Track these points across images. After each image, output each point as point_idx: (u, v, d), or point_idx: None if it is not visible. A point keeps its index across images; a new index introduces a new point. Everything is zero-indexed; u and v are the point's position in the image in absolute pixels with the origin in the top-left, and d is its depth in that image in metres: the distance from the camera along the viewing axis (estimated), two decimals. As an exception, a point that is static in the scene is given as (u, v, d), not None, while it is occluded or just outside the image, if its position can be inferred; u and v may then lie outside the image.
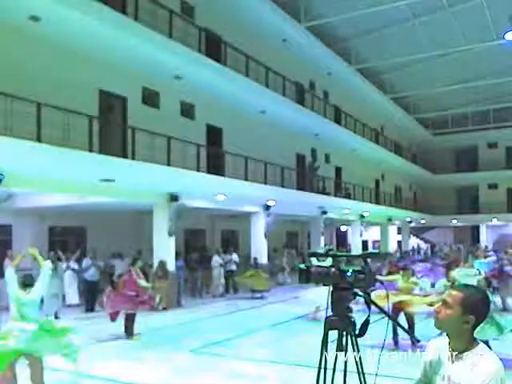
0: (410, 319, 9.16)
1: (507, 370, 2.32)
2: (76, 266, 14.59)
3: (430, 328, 2.44)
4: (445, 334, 2.42)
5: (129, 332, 10.20)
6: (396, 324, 2.99)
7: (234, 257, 18.56)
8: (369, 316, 2.65)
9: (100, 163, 11.33)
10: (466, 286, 2.42)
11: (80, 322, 12.39)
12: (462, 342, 2.32)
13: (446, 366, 2.36)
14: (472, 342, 2.32)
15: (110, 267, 16.57)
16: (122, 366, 8.04)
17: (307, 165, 23.20)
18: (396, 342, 8.90)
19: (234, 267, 18.31)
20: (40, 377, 5.76)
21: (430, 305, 8.57)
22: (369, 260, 2.86)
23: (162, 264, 14.62)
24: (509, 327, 7.82)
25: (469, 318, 2.27)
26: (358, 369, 2.71)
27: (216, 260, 17.66)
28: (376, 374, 2.75)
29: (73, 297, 14.66)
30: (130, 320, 10.27)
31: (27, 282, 5.97)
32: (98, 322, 12.20)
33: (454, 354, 2.33)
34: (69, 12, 11.05)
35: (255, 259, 18.36)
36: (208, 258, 18.27)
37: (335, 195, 24.19)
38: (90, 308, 13.94)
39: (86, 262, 14.20)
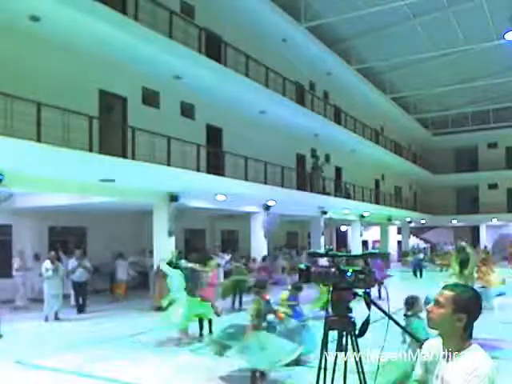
0: None
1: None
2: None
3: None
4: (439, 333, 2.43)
5: None
6: (398, 324, 2.98)
7: (225, 256, 18.55)
8: (369, 316, 2.65)
9: (100, 163, 11.32)
10: (457, 284, 2.42)
11: (80, 322, 12.40)
12: (455, 342, 2.32)
13: (441, 366, 2.37)
14: (465, 342, 2.32)
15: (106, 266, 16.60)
16: (121, 365, 8.03)
17: (311, 165, 23.17)
18: None
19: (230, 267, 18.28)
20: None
21: None
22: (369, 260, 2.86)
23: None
24: None
25: (460, 316, 2.28)
26: (357, 369, 2.71)
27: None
28: (376, 374, 2.75)
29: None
30: None
31: None
32: (98, 322, 12.21)
33: (448, 353, 2.34)
34: (69, 12, 11.05)
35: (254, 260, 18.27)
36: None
37: (335, 195, 24.18)
38: (80, 309, 13.69)
39: (71, 262, 13.82)
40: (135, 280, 18.26)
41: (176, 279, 9.94)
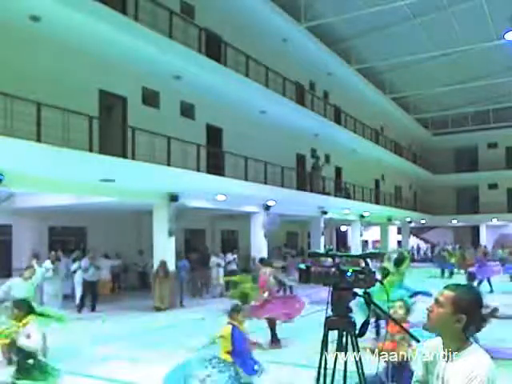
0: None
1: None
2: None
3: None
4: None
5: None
6: (396, 323, 2.98)
7: (229, 256, 18.60)
8: (369, 316, 2.65)
9: (100, 163, 11.32)
10: (459, 285, 2.41)
11: (80, 322, 12.39)
12: (454, 342, 2.32)
13: (440, 366, 2.37)
14: (465, 342, 2.32)
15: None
16: (121, 366, 8.04)
17: (312, 165, 23.17)
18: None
19: (234, 267, 18.30)
20: None
21: None
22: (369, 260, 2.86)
23: (163, 264, 14.60)
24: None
25: (460, 317, 2.27)
26: (357, 369, 2.71)
27: (213, 260, 17.67)
28: (376, 374, 2.75)
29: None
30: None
31: None
32: (98, 322, 12.21)
33: (448, 353, 2.34)
34: (69, 12, 11.05)
35: (254, 260, 18.28)
36: (208, 259, 18.26)
37: (335, 195, 24.18)
38: (92, 307, 14.06)
39: (84, 262, 14.12)
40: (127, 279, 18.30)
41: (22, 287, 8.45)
